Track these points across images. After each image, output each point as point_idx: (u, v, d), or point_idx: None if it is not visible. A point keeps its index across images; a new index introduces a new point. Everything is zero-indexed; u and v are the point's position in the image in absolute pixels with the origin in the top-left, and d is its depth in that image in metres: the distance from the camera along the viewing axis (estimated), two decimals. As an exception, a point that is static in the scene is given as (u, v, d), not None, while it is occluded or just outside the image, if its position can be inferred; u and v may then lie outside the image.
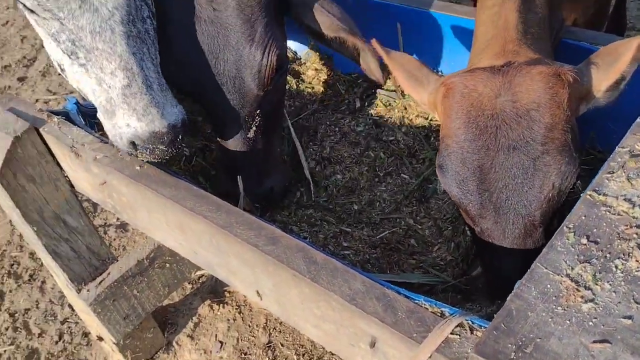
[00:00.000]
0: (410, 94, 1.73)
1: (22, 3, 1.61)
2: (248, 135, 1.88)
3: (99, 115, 1.72)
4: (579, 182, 1.49)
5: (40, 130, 1.95)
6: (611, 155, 1.38)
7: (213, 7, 1.75)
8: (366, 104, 2.38)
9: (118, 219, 3.45)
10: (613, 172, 1.34)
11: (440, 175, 1.56)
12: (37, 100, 4.47)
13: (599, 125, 1.91)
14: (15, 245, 3.35)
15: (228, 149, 1.91)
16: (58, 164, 2.04)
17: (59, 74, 4.67)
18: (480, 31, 1.77)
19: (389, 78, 2.46)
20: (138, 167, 1.73)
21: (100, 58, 1.59)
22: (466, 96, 1.52)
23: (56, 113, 2.02)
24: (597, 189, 1.32)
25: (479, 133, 1.48)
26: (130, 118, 1.59)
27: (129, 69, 1.58)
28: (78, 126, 1.94)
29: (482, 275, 1.78)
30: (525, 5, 1.68)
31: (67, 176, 2.08)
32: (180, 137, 1.66)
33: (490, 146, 1.46)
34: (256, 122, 1.88)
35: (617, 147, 1.40)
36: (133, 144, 1.64)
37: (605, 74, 1.52)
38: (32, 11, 1.63)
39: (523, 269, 1.49)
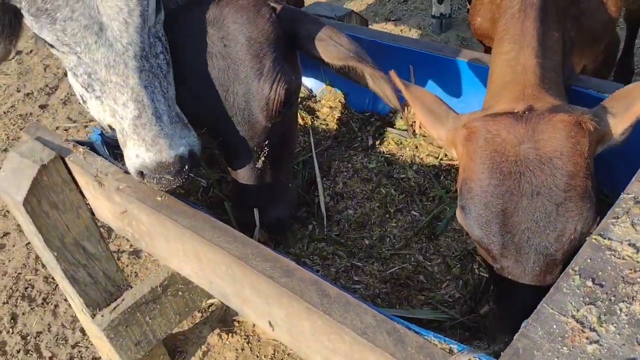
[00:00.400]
0: (428, 129, 1.79)
1: (42, 39, 1.71)
2: (257, 165, 1.95)
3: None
4: (596, 224, 1.51)
5: (66, 159, 2.04)
6: (616, 201, 1.44)
7: (224, 43, 1.84)
8: (378, 142, 2.45)
9: (131, 245, 3.51)
10: (618, 218, 1.39)
11: (461, 216, 1.60)
12: (57, 128, 4.59)
13: (605, 169, 1.97)
14: (30, 268, 3.42)
15: (238, 178, 1.98)
16: (80, 192, 2.12)
17: (80, 103, 4.81)
18: (496, 75, 1.82)
19: (407, 107, 2.53)
20: (159, 198, 1.80)
21: (114, 90, 1.67)
22: (490, 141, 1.56)
23: (81, 143, 2.10)
24: (602, 233, 1.37)
25: (502, 178, 1.53)
26: (139, 148, 1.66)
27: (139, 100, 1.66)
28: (102, 156, 2.03)
29: (490, 313, 1.81)
30: (543, 52, 1.75)
31: (88, 204, 2.15)
32: (187, 168, 1.72)
33: (514, 191, 1.51)
34: (265, 153, 1.94)
35: (622, 193, 1.46)
36: (141, 173, 1.71)
37: (621, 118, 1.58)
38: (52, 45, 1.72)
39: (539, 300, 1.54)
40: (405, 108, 2.47)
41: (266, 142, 1.93)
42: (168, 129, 1.68)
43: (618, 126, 1.59)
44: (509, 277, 1.57)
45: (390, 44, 2.46)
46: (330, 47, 1.91)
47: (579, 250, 1.55)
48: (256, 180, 1.97)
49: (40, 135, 2.14)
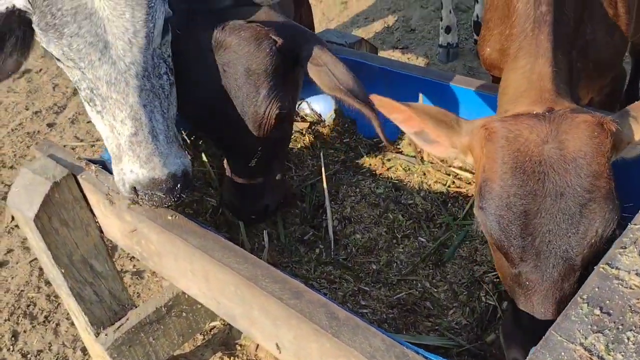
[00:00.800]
0: (440, 139, 1.77)
1: (50, 52, 1.76)
2: (249, 164, 2.07)
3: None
4: (617, 230, 1.51)
5: (78, 177, 2.06)
6: (624, 232, 1.46)
7: (224, 68, 1.93)
8: (387, 167, 2.47)
9: (134, 265, 3.51)
10: (625, 248, 1.40)
11: (481, 217, 1.56)
12: (64, 146, 4.61)
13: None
14: (33, 286, 3.42)
15: (233, 172, 2.14)
16: (91, 210, 2.14)
17: (88, 122, 4.85)
18: (511, 87, 1.81)
19: (402, 139, 2.57)
20: (170, 217, 1.82)
21: (113, 107, 1.71)
22: (512, 141, 1.54)
23: (93, 161, 2.13)
24: (610, 262, 1.38)
25: (526, 179, 1.50)
26: (133, 164, 1.70)
27: (137, 118, 1.69)
28: (113, 175, 2.05)
29: (496, 341, 1.80)
30: (557, 63, 1.75)
31: (97, 222, 2.17)
32: (179, 187, 1.74)
33: (537, 192, 1.49)
34: (257, 155, 2.06)
35: (630, 223, 1.47)
36: (134, 189, 1.74)
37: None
38: (58, 59, 1.77)
39: (556, 313, 1.51)
40: (393, 144, 2.52)
41: (259, 149, 2.06)
42: (164, 147, 1.72)
43: (636, 135, 1.58)
44: (526, 283, 1.53)
45: (400, 72, 2.50)
46: (323, 75, 1.98)
47: (596, 257, 1.53)
48: (247, 176, 2.12)
49: (52, 153, 2.17)
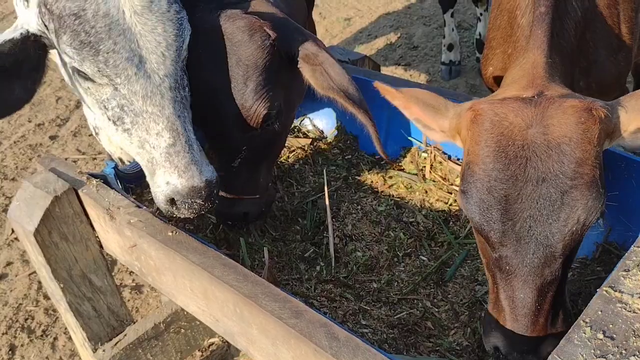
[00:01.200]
0: (429, 123, 1.76)
1: (79, 70, 1.76)
2: (233, 165, 2.04)
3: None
4: (601, 219, 1.49)
5: (79, 191, 2.05)
6: (627, 254, 1.44)
7: (215, 56, 1.92)
8: (388, 185, 2.47)
9: (133, 280, 3.49)
10: (629, 270, 1.39)
11: (462, 201, 1.56)
12: (66, 159, 4.62)
13: (615, 220, 1.97)
14: (31, 299, 3.40)
15: (218, 168, 2.06)
16: (91, 225, 2.13)
17: (90, 135, 4.86)
18: (507, 79, 1.82)
19: (404, 156, 2.55)
20: (170, 233, 1.81)
21: (148, 120, 1.74)
22: (496, 124, 1.53)
23: (95, 176, 2.13)
24: (613, 285, 1.37)
25: (508, 163, 1.49)
26: (170, 175, 1.72)
27: (174, 129, 1.73)
28: (115, 190, 2.04)
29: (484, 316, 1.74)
30: (552, 55, 1.75)
31: (97, 237, 2.16)
32: (215, 193, 1.79)
33: (518, 177, 1.47)
34: (242, 154, 2.03)
35: (632, 245, 1.46)
36: (172, 200, 1.76)
37: (635, 115, 1.55)
38: (87, 78, 1.77)
39: (537, 299, 1.50)
40: (394, 162, 2.50)
41: (244, 148, 2.02)
42: (198, 156, 1.77)
43: (630, 123, 1.56)
44: (507, 267, 1.51)
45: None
46: (317, 74, 1.95)
47: (578, 246, 1.52)
48: (231, 177, 2.07)
49: (54, 167, 2.17)
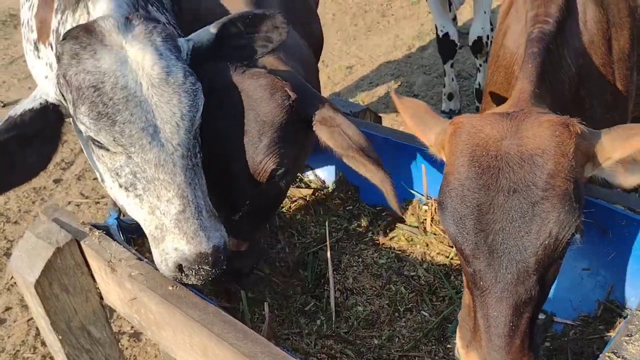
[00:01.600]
0: (418, 135, 1.81)
1: (95, 140, 1.78)
2: (233, 217, 2.04)
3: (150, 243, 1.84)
4: (577, 234, 1.48)
5: (81, 242, 2.06)
6: (628, 317, 1.44)
7: (234, 109, 1.98)
8: (389, 237, 2.47)
9: (132, 327, 3.46)
10: (631, 335, 1.38)
11: (439, 211, 1.57)
12: (69, 203, 4.65)
13: (617, 278, 1.97)
14: (29, 346, 3.36)
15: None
16: (92, 276, 2.13)
17: (94, 179, 4.89)
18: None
19: (405, 209, 2.57)
20: (170, 288, 1.81)
21: (160, 187, 1.75)
22: (473, 136, 1.57)
23: (97, 227, 2.14)
24: (615, 351, 1.36)
25: (481, 172, 1.51)
26: (179, 242, 1.72)
27: (184, 196, 1.74)
28: (117, 242, 2.05)
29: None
30: (540, 89, 1.79)
31: (98, 288, 2.16)
32: (223, 258, 1.78)
33: (490, 186, 1.48)
34: (244, 208, 2.04)
35: (634, 309, 1.46)
36: (180, 267, 1.75)
37: (621, 144, 1.54)
38: (101, 147, 1.80)
39: (512, 318, 1.45)
40: (405, 213, 2.52)
41: (246, 202, 2.03)
42: (207, 222, 1.77)
43: (614, 151, 1.56)
44: (481, 283, 1.49)
45: (403, 143, 2.53)
46: (336, 135, 2.01)
47: (554, 263, 1.49)
48: (230, 230, 2.01)
49: (57, 217, 2.18)
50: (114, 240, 2.07)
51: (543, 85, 1.85)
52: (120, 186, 1.83)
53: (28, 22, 2.70)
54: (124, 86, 1.72)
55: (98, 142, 1.78)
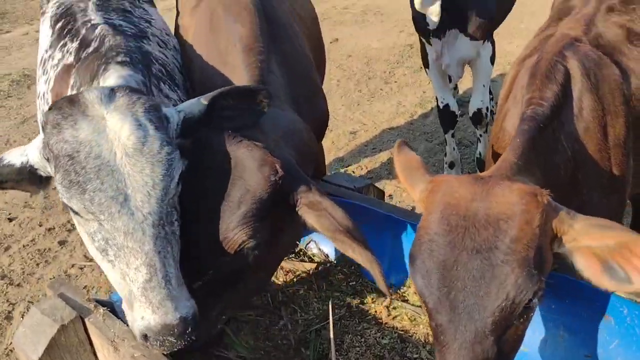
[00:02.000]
0: (408, 189, 1.89)
1: (69, 206, 1.85)
2: (192, 285, 1.95)
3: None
4: (535, 300, 1.52)
5: (86, 320, 2.08)
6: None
7: (219, 172, 2.02)
8: (392, 316, 2.48)
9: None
10: None
11: (409, 264, 1.63)
12: (72, 265, 4.67)
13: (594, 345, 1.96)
14: (24, 417, 3.30)
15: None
16: (94, 353, 2.13)
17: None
18: None
19: (408, 287, 2.58)
20: (172, 371, 1.82)
21: (129, 255, 1.78)
22: (447, 195, 1.66)
23: (102, 303, 2.16)
24: None
25: (449, 230, 1.58)
26: (145, 311, 1.74)
27: (152, 265, 1.76)
28: (121, 319, 2.07)
29: None
30: (523, 162, 1.86)
31: (99, 365, 2.16)
32: (190, 330, 1.78)
33: (456, 244, 1.56)
34: (205, 277, 2.00)
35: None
36: (145, 336, 1.77)
37: (592, 231, 1.59)
38: (76, 213, 1.85)
39: None
40: (396, 292, 2.53)
41: (209, 271, 2.01)
42: (175, 291, 1.78)
43: (583, 235, 1.60)
44: (442, 337, 1.54)
45: (405, 220, 2.58)
46: (323, 219, 2.04)
47: (512, 326, 1.52)
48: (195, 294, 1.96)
49: (63, 292, 2.21)
50: (118, 318, 2.09)
51: (534, 161, 1.94)
52: (97, 249, 1.87)
53: (44, 95, 2.80)
54: (97, 155, 1.77)
55: (71, 208, 1.83)
